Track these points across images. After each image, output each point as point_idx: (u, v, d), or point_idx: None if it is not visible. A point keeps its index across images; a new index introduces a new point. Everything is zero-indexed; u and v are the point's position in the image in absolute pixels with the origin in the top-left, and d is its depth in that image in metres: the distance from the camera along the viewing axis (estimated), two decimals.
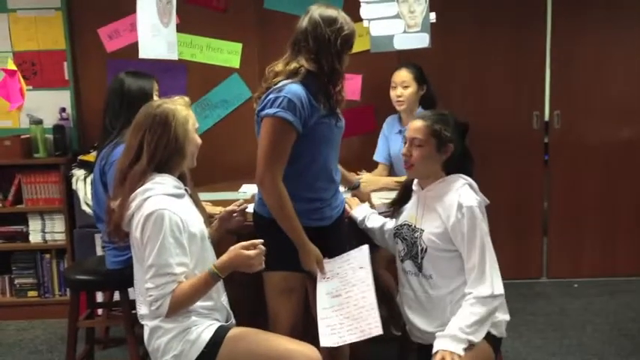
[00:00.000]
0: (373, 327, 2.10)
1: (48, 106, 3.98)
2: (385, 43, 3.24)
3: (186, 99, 2.22)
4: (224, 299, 2.23)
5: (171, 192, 2.09)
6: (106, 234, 2.21)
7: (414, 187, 2.33)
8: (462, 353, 2.03)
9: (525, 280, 4.38)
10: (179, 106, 2.16)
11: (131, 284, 2.18)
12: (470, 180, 2.25)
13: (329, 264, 2.30)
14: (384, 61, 3.53)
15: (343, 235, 2.45)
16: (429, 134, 2.20)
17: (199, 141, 2.21)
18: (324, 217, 2.33)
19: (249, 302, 2.67)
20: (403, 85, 3.36)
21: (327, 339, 2.15)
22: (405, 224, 2.31)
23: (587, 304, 3.99)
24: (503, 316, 2.24)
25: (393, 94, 3.39)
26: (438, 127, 2.19)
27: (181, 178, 2.21)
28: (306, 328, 2.37)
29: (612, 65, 4.27)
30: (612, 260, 4.40)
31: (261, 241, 2.03)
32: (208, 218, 2.35)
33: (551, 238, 4.44)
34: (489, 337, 2.16)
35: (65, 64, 3.99)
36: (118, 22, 3.78)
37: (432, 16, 3.23)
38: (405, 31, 3.23)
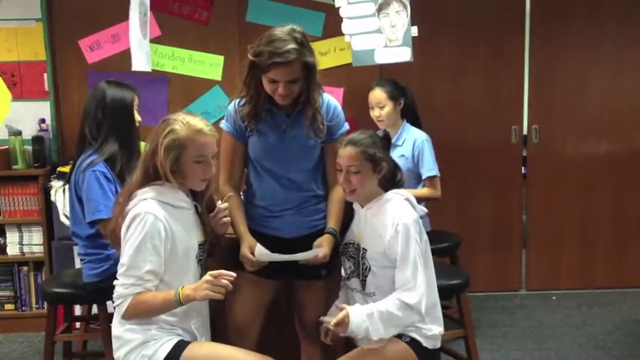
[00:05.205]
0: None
1: (27, 117, 3.94)
2: (367, 57, 3.26)
3: (212, 128, 2.13)
4: (195, 323, 2.15)
5: (166, 200, 2.07)
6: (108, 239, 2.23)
7: (355, 206, 2.36)
8: (353, 326, 2.05)
9: (504, 293, 4.42)
10: (183, 126, 2.06)
11: (109, 297, 2.16)
12: (407, 194, 2.30)
13: (274, 255, 2.27)
14: (365, 75, 3.55)
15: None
16: (364, 159, 2.23)
17: (199, 171, 2.10)
18: (278, 228, 2.35)
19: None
20: (379, 105, 3.42)
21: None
22: (350, 243, 2.33)
23: (565, 317, 4.03)
24: (438, 329, 2.27)
25: (372, 114, 3.43)
26: (372, 152, 2.22)
27: (195, 192, 2.18)
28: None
29: (590, 80, 4.34)
30: (590, 273, 4.45)
31: (231, 274, 1.97)
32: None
33: (530, 250, 4.48)
34: (418, 346, 2.20)
35: (45, 75, 3.97)
36: (99, 34, 3.75)
37: (414, 29, 3.26)
38: (386, 46, 3.26)
